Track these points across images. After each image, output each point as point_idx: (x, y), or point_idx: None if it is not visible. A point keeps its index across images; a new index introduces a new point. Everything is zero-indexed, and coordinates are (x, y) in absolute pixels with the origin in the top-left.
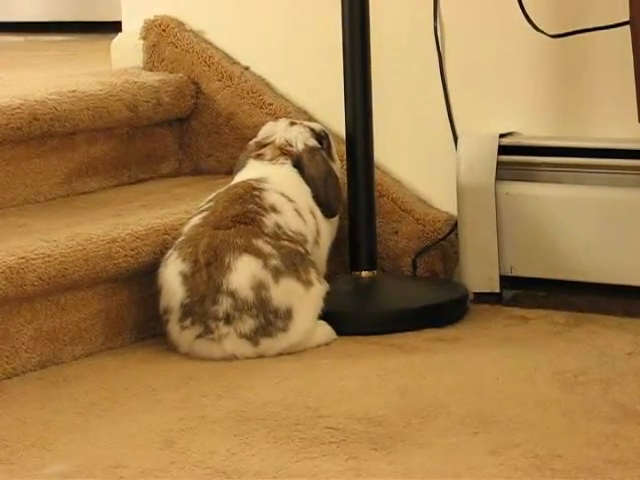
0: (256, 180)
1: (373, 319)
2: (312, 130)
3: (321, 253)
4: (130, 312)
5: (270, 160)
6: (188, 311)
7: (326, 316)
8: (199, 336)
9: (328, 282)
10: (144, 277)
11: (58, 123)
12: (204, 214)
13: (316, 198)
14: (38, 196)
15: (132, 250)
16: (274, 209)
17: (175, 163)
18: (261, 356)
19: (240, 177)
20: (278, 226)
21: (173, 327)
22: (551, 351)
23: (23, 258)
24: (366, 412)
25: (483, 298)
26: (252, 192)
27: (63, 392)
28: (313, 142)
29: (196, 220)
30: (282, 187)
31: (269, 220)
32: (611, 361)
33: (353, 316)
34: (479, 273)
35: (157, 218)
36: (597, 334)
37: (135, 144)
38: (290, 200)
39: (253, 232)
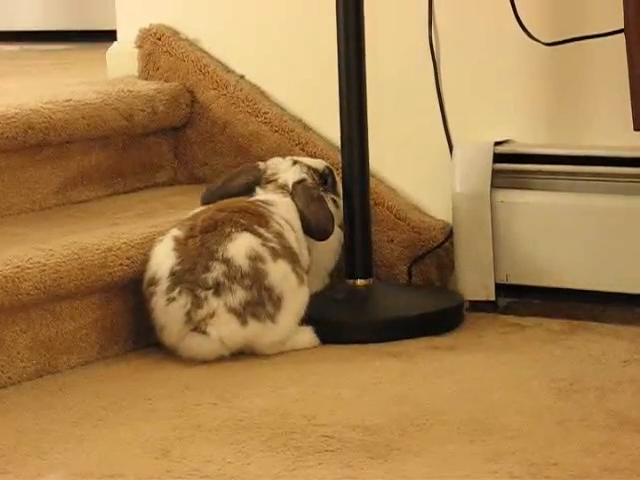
0: (263, 201)
1: (369, 327)
2: (313, 169)
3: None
4: (126, 321)
5: (272, 190)
6: (177, 279)
7: (321, 324)
8: (187, 317)
9: (323, 290)
10: (140, 286)
11: (53, 132)
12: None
13: (305, 228)
14: (33, 205)
15: (128, 259)
16: (280, 225)
17: (170, 172)
18: (249, 347)
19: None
20: (281, 233)
21: (159, 301)
22: (547, 359)
23: (18, 267)
24: (362, 420)
25: (478, 306)
26: (260, 205)
27: (59, 401)
28: (300, 176)
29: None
30: (286, 215)
31: (275, 222)
32: (606, 369)
33: (349, 324)
34: (474, 281)
35: (153, 227)
36: (592, 342)
37: (130, 153)
38: (293, 229)
39: (258, 221)
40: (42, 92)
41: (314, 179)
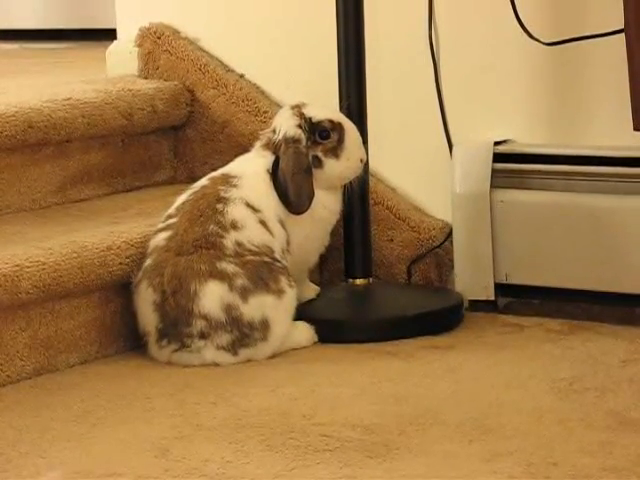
0: (226, 184)
1: (368, 326)
2: (308, 120)
3: (297, 260)
4: (125, 320)
5: (260, 147)
6: (164, 333)
7: (320, 323)
8: (177, 350)
9: (322, 290)
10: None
11: (53, 131)
12: (169, 233)
13: (282, 196)
14: (33, 204)
15: (127, 258)
16: (235, 226)
17: (170, 171)
18: (247, 361)
19: (229, 166)
20: (239, 244)
21: (152, 347)
22: (546, 359)
23: (18, 266)
24: (361, 420)
25: (478, 306)
26: (215, 206)
27: (58, 400)
28: (294, 132)
29: (161, 240)
30: (250, 194)
31: (229, 241)
32: (606, 369)
33: (348, 324)
34: (474, 281)
35: (152, 226)
36: (592, 342)
37: (130, 152)
38: (256, 210)
39: (215, 255)
40: (42, 91)
41: (309, 133)
